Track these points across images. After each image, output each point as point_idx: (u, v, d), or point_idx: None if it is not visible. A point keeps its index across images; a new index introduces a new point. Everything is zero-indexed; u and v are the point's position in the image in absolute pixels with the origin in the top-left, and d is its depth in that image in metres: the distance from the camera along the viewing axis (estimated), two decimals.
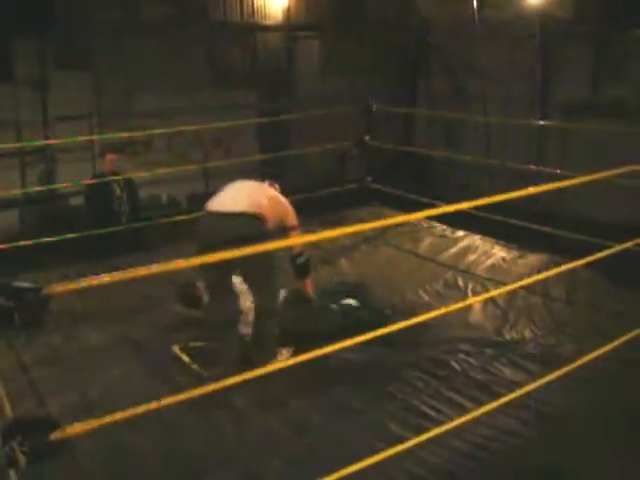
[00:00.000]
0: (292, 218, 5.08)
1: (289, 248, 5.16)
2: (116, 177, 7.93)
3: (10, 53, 8.80)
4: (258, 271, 4.77)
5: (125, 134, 9.14)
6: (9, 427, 2.23)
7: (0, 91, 8.74)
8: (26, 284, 2.14)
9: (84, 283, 2.18)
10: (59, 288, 2.16)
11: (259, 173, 10.55)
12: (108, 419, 2.52)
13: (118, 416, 2.51)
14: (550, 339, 5.20)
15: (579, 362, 3.83)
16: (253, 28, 10.83)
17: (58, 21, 8.89)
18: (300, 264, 5.19)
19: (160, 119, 9.31)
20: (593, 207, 8.50)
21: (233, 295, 4.95)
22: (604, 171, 4.06)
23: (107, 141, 9.18)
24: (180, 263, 2.43)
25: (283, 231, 5.01)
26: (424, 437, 3.12)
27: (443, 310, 3.42)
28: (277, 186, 5.39)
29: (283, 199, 5.13)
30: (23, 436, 2.17)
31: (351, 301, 5.60)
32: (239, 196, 4.81)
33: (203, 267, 4.70)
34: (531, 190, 3.24)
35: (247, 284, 5.07)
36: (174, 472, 3.73)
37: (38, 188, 8.96)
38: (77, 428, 2.40)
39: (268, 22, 10.96)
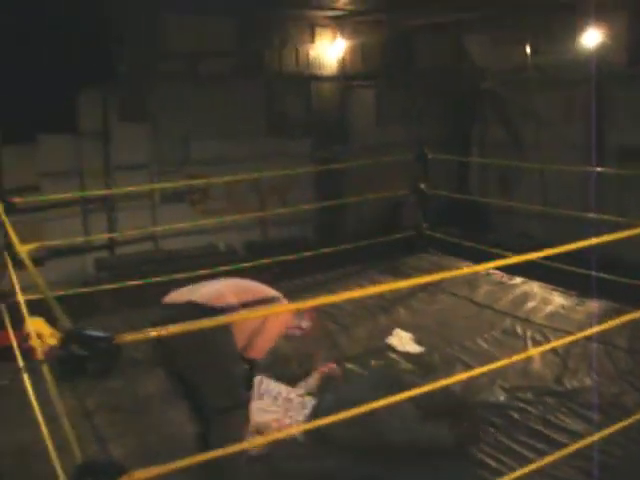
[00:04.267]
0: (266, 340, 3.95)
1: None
2: None
3: (74, 105, 9.09)
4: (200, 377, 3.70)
5: (184, 182, 9.38)
6: (80, 471, 2.29)
7: (65, 141, 9.02)
8: (99, 332, 2.21)
9: (154, 332, 2.24)
10: (129, 337, 2.23)
11: (314, 221, 10.70)
12: (172, 466, 2.56)
13: (183, 463, 2.55)
14: (612, 388, 5.11)
15: None
16: (308, 78, 11.01)
17: (120, 74, 9.18)
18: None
19: (218, 167, 9.48)
20: None
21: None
22: None
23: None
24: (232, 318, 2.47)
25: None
26: None
27: (505, 361, 3.40)
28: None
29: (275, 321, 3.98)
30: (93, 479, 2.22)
31: None
32: (198, 288, 3.95)
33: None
34: (594, 240, 3.23)
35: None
36: None
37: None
38: (143, 474, 2.44)
39: (323, 72, 11.14)
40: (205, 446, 3.62)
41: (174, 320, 2.81)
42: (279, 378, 4.88)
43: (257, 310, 3.87)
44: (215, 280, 4.14)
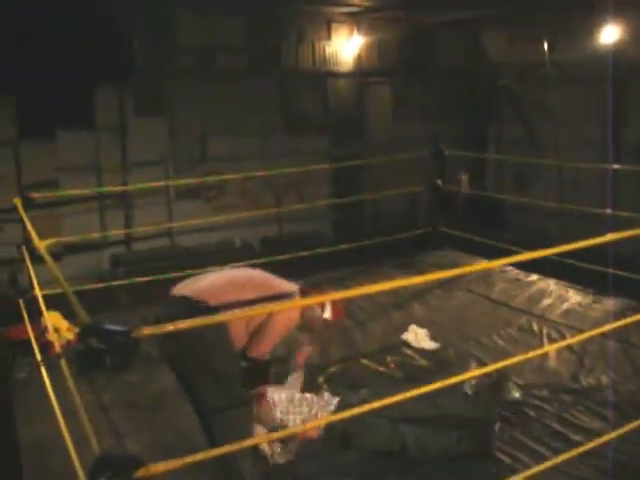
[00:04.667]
0: (269, 337, 3.85)
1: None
2: None
3: (92, 100, 9.15)
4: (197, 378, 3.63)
5: (199, 179, 9.41)
6: (97, 463, 2.30)
7: (82, 137, 9.08)
8: (117, 327, 2.22)
9: (171, 327, 2.25)
10: (147, 331, 2.24)
11: (331, 218, 10.71)
12: (188, 460, 2.58)
13: (199, 457, 2.56)
14: (628, 386, 5.08)
15: None
16: (325, 75, 11.01)
17: (137, 69, 9.24)
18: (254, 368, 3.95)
19: (233, 164, 9.51)
20: None
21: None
22: None
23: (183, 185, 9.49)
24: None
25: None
26: None
27: (520, 357, 3.39)
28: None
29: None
30: (111, 472, 2.24)
31: None
32: (201, 280, 3.86)
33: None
34: (609, 237, 3.21)
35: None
36: None
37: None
38: (160, 467, 2.46)
39: (339, 68, 11.14)
40: (211, 445, 3.58)
41: (170, 317, 2.82)
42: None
43: (253, 309, 3.69)
44: (223, 271, 4.12)
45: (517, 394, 4.97)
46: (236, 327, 3.71)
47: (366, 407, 2.86)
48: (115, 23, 8.85)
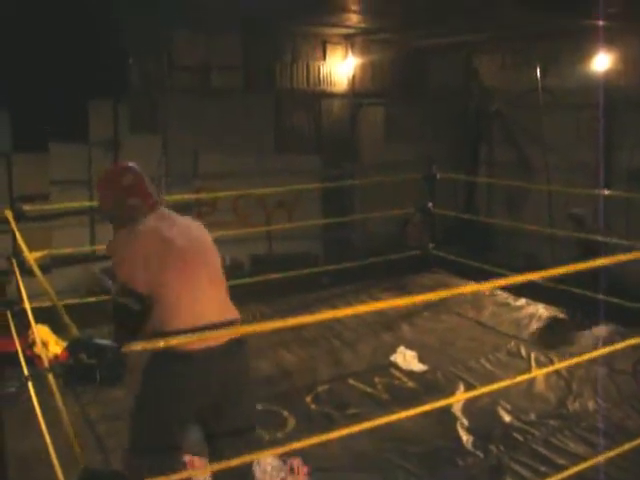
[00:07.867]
0: None
1: None
2: None
3: (85, 115, 9.15)
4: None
5: (192, 195, 9.42)
6: (81, 478, 2.30)
7: (75, 151, 9.08)
8: (106, 342, 2.22)
9: (161, 343, 2.26)
10: (137, 346, 2.24)
11: (322, 238, 10.72)
12: (175, 477, 2.58)
13: (185, 475, 2.56)
14: (616, 412, 5.10)
15: None
16: (319, 95, 11.07)
17: (133, 86, 9.27)
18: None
19: (226, 181, 9.52)
20: None
21: None
22: None
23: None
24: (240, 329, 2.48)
25: None
26: None
27: (508, 381, 3.40)
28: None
29: None
30: None
31: None
32: (220, 293, 3.32)
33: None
34: (599, 262, 3.23)
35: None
36: None
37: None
38: None
39: (333, 89, 11.19)
40: None
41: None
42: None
43: None
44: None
45: (505, 418, 4.98)
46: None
47: (354, 428, 2.86)
48: (112, 39, 8.89)
